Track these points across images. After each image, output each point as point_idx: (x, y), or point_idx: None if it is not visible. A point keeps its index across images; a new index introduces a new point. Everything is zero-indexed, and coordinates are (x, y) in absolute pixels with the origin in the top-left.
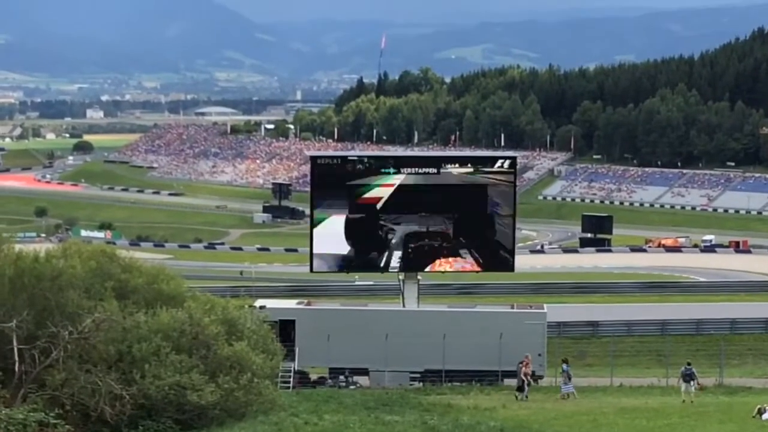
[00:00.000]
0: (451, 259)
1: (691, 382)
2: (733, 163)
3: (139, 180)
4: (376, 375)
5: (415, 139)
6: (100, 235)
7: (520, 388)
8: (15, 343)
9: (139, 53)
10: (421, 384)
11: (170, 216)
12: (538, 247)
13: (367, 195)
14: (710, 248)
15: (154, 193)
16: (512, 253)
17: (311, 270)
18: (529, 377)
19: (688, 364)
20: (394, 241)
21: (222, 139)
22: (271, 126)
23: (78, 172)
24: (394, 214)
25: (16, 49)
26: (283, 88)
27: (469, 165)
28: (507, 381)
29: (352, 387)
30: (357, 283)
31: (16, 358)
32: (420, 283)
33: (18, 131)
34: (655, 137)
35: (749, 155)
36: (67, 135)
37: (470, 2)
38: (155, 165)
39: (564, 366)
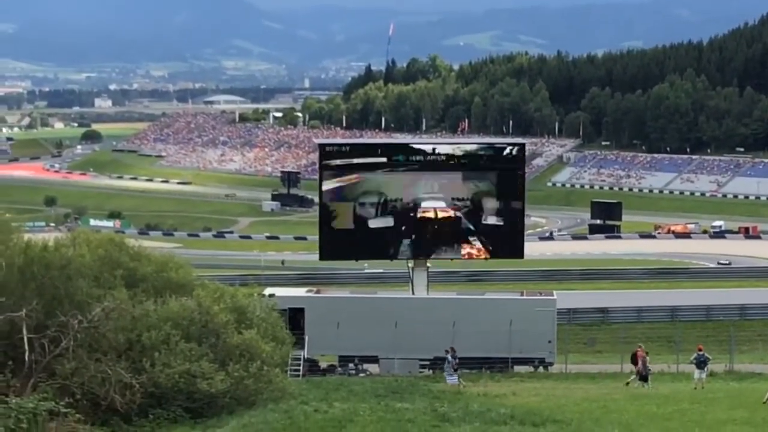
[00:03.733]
0: (460, 246)
1: (705, 369)
2: (742, 149)
3: (147, 169)
4: (386, 363)
5: (424, 127)
6: (109, 224)
7: (645, 378)
8: (25, 332)
9: (147, 42)
10: (431, 371)
11: (179, 205)
12: (548, 234)
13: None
14: (720, 234)
15: (162, 182)
16: (521, 240)
17: (321, 258)
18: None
19: (700, 350)
20: (403, 228)
21: (230, 128)
22: (280, 114)
23: (86, 162)
24: (403, 201)
25: (24, 38)
26: (291, 76)
27: (478, 152)
28: (517, 368)
29: (361, 375)
30: (366, 270)
31: (26, 347)
32: (429, 270)
33: (26, 121)
34: (663, 123)
35: (758, 141)
36: (76, 124)
37: None
38: (164, 154)
39: (448, 356)
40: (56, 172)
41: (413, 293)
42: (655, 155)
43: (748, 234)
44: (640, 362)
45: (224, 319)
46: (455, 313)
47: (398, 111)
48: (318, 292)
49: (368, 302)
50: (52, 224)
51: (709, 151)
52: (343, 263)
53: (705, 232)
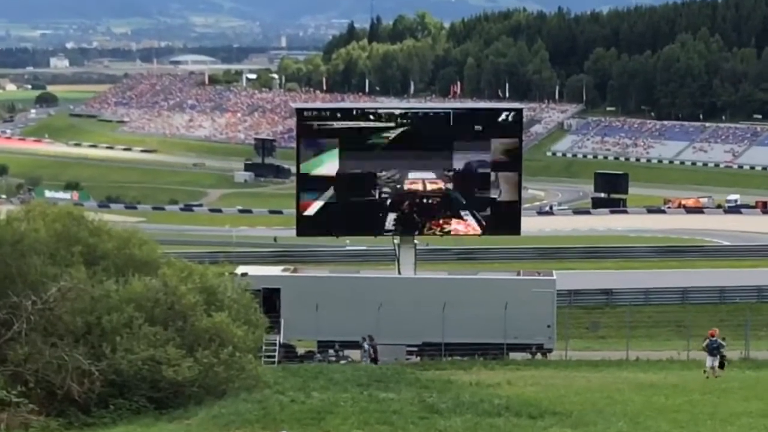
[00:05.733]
0: (451, 221)
1: (718, 356)
2: (760, 116)
3: (108, 135)
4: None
5: (411, 90)
6: (66, 196)
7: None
8: None
9: None
10: (419, 358)
11: (143, 175)
12: (547, 208)
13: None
14: (735, 209)
15: (125, 149)
16: (518, 215)
17: (298, 234)
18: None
19: (712, 335)
20: (389, 201)
21: (199, 91)
22: (253, 76)
23: (41, 127)
24: (389, 171)
25: None
26: (266, 33)
27: (471, 118)
28: (513, 355)
29: (342, 362)
30: (348, 247)
31: None
32: (417, 247)
33: None
34: (674, 87)
35: None
36: (29, 86)
37: None
38: (126, 119)
39: (364, 344)
40: (8, 138)
41: (399, 272)
42: (665, 122)
43: (765, 209)
44: None
45: (192, 300)
46: (445, 295)
47: (384, 73)
48: (295, 271)
49: (350, 282)
50: (3, 196)
51: (723, 117)
52: (323, 239)
53: (719, 206)
